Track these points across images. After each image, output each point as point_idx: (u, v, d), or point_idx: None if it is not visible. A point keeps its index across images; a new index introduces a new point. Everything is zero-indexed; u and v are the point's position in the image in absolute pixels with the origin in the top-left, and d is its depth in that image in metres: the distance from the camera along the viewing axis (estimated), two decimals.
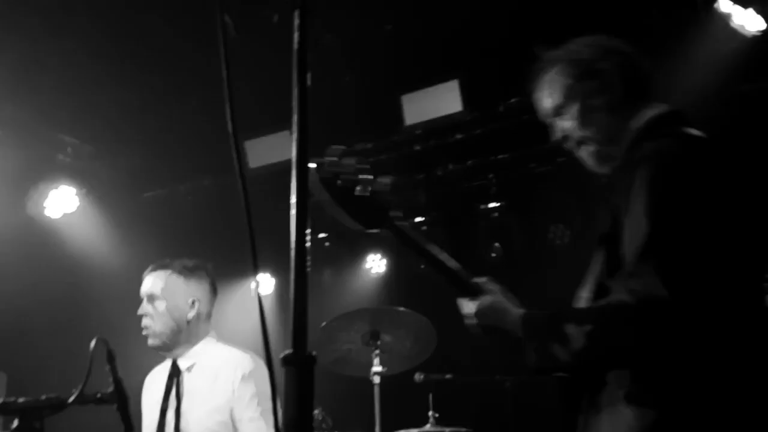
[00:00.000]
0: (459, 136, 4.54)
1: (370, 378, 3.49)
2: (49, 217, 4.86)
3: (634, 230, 1.40)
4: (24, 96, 4.20)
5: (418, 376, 3.99)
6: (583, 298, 1.60)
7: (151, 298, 2.78)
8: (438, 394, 4.08)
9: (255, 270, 1.10)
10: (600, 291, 1.53)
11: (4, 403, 1.74)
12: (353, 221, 1.54)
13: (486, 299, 1.64)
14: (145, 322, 2.77)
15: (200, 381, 2.76)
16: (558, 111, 1.66)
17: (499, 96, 4.43)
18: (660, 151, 1.45)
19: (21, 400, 1.74)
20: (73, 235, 5.03)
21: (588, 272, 1.61)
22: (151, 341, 2.78)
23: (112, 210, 5.18)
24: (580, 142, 1.63)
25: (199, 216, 5.47)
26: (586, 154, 1.63)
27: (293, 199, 1.03)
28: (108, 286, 4.83)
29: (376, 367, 3.48)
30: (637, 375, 1.42)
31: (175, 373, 2.78)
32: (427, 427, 3.93)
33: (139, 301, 2.85)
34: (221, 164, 4.95)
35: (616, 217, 1.48)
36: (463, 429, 4.02)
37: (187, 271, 2.83)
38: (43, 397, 1.76)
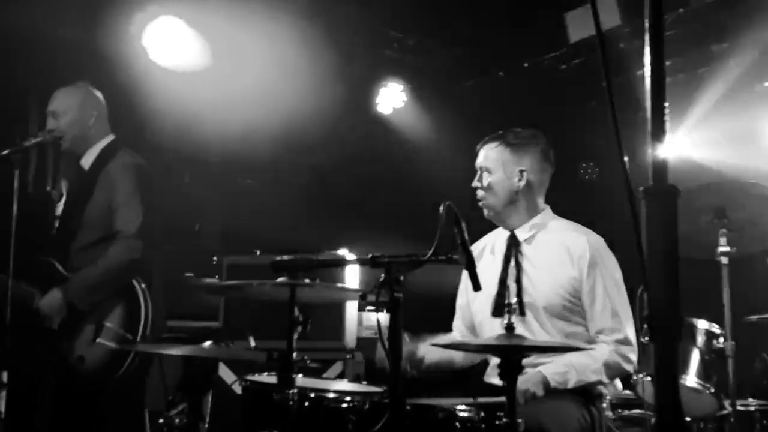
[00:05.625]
0: None
1: (717, 259, 3.16)
2: (381, 112, 5.36)
3: None
4: None
5: None
6: None
7: (483, 170, 2.82)
8: None
9: (617, 135, 1.13)
10: None
11: (373, 257, 2.01)
12: None
13: None
14: (479, 194, 2.82)
15: (544, 254, 2.74)
16: None
17: None
18: None
19: (387, 256, 1.98)
20: (402, 126, 5.48)
21: None
22: (486, 212, 2.84)
23: (433, 100, 5.45)
24: None
25: (513, 99, 5.45)
26: None
27: (648, 61, 1.09)
28: (439, 163, 5.18)
29: (723, 248, 3.15)
30: None
31: (514, 244, 2.80)
32: None
33: (463, 175, 2.93)
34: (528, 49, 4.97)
35: None
36: None
37: (516, 142, 2.80)
38: (405, 254, 1.98)
